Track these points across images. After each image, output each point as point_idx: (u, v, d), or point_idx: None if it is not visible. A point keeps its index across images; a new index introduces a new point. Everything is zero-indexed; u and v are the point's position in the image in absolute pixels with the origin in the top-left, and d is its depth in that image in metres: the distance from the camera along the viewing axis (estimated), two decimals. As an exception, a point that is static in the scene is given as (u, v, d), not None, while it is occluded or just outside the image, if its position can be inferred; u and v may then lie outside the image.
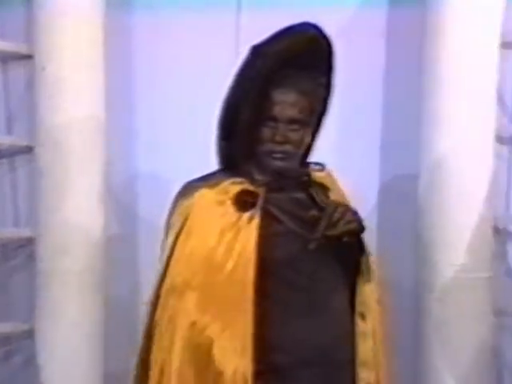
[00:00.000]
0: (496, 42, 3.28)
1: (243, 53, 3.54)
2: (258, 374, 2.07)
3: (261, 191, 2.22)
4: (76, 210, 3.37)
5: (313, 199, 2.17)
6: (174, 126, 3.61)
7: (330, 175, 2.37)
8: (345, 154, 3.51)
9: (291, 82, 2.23)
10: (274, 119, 2.21)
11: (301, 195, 2.23)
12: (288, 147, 2.22)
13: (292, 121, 2.22)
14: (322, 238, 2.08)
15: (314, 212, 2.17)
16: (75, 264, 3.36)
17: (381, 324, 2.28)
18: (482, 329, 3.31)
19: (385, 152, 3.63)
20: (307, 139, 2.29)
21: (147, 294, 3.71)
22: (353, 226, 2.13)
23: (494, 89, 3.32)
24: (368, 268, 2.25)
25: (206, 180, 2.33)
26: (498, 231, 3.50)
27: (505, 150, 3.58)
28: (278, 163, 2.22)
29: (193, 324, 2.12)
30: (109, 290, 3.49)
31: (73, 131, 3.35)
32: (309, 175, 2.22)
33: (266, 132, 2.22)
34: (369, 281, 2.24)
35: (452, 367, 3.22)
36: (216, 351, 2.06)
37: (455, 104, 3.27)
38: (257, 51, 2.27)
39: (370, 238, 3.58)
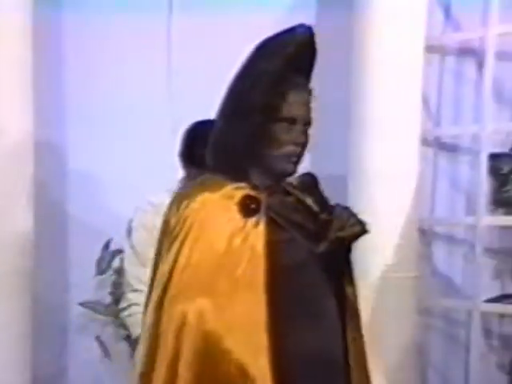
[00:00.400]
0: (420, 45, 3.35)
1: (176, 53, 3.58)
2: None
3: (262, 197, 2.14)
4: (3, 211, 3.33)
5: (317, 202, 2.15)
6: (105, 126, 3.60)
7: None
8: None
9: (301, 82, 2.17)
10: (292, 120, 2.14)
11: (302, 200, 2.18)
12: (301, 150, 2.17)
13: (307, 122, 2.16)
14: (333, 241, 2.09)
15: (323, 215, 2.13)
16: (2, 265, 3.32)
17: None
18: (407, 328, 3.37)
19: (314, 154, 3.66)
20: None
21: (77, 294, 3.75)
22: (358, 228, 2.13)
23: (419, 92, 3.39)
24: (351, 270, 2.25)
25: (202, 184, 2.21)
26: (423, 232, 3.58)
27: (430, 152, 3.67)
28: (292, 167, 2.17)
29: (206, 333, 2.04)
30: (38, 291, 3.46)
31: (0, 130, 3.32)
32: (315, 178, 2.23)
33: (284, 134, 2.13)
34: (351, 283, 2.24)
35: (378, 366, 3.27)
36: (233, 357, 2.01)
37: (382, 107, 3.33)
38: (269, 52, 2.20)
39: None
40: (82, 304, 3.70)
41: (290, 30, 2.18)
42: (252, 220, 2.11)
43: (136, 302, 2.91)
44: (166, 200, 2.92)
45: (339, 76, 3.46)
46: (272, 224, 2.12)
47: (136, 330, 2.92)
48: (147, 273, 2.90)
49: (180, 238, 2.12)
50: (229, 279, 2.06)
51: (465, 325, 3.68)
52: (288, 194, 2.19)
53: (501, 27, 3.49)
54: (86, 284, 3.70)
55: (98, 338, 3.72)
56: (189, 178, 2.90)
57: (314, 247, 2.10)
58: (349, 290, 2.22)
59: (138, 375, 2.11)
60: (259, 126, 2.12)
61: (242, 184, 2.16)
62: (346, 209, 2.17)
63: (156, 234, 2.88)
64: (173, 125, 3.43)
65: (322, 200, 2.21)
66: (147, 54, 3.61)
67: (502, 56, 3.57)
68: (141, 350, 2.14)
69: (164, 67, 3.61)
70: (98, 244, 3.67)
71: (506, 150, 3.74)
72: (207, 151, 2.26)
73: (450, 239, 3.78)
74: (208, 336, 2.03)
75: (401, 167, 3.36)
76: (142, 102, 3.57)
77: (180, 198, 2.22)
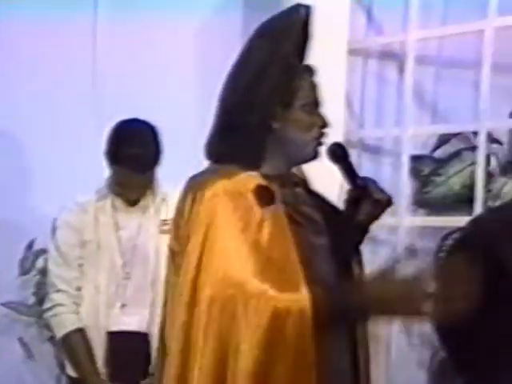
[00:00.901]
0: (343, 48, 3.41)
1: (101, 52, 3.56)
2: None
3: (274, 187, 2.04)
4: None
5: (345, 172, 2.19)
6: (30, 124, 3.56)
7: None
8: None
9: (306, 65, 2.17)
10: (314, 104, 2.12)
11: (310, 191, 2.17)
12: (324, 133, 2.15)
13: (319, 104, 2.15)
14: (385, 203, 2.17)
15: (351, 192, 2.18)
16: None
17: None
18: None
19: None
20: None
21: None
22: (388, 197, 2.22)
23: (342, 95, 3.44)
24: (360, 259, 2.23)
25: (215, 172, 2.07)
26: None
27: (354, 153, 3.72)
28: (318, 151, 2.13)
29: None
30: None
31: None
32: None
33: (309, 117, 2.09)
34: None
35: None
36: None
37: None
38: (276, 36, 2.10)
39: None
40: (4, 304, 3.65)
41: (292, 12, 2.15)
42: (270, 209, 2.00)
43: (60, 302, 2.89)
44: (92, 199, 2.94)
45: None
46: (287, 215, 2.03)
47: (60, 331, 2.90)
48: (72, 273, 2.90)
49: (203, 229, 1.95)
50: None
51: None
52: (296, 184, 2.15)
53: (420, 32, 3.58)
54: (8, 284, 3.64)
55: (21, 340, 3.67)
56: (114, 176, 2.90)
57: (319, 240, 2.06)
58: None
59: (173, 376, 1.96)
60: (283, 110, 2.06)
61: (254, 173, 2.05)
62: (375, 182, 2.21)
63: (81, 233, 2.89)
64: (98, 124, 3.42)
65: (350, 171, 2.20)
66: (72, 52, 3.57)
67: (422, 60, 3.66)
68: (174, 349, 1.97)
69: (89, 66, 3.59)
70: (22, 244, 3.63)
71: (426, 152, 3.82)
72: (208, 144, 2.16)
73: (373, 240, 3.85)
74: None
75: (326, 168, 3.40)
76: (66, 100, 3.54)
77: (198, 184, 2.06)
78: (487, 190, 3.65)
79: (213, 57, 3.57)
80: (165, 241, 2.81)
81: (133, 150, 2.81)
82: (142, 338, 2.86)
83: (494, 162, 3.86)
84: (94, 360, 2.85)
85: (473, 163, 3.64)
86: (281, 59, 2.07)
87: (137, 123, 2.89)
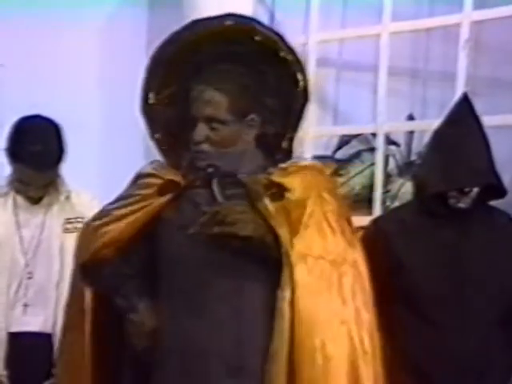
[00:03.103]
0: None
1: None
2: None
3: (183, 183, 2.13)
4: None
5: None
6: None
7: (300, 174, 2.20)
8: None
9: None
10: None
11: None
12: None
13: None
14: (201, 234, 2.00)
15: (206, 208, 2.05)
16: None
17: None
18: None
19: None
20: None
21: None
22: (229, 229, 1.98)
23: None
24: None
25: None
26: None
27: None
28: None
29: None
30: None
31: None
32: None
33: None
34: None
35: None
36: None
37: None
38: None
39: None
40: None
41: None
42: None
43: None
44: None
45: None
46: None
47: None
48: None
49: None
50: None
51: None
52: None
53: (321, 34, 3.64)
54: None
55: None
56: (15, 174, 2.84)
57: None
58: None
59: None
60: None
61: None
62: (239, 207, 2.06)
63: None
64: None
65: (218, 193, 2.13)
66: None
67: (323, 62, 3.72)
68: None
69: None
70: None
71: (328, 153, 3.89)
72: None
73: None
74: None
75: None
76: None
77: None
78: (386, 191, 3.74)
79: (117, 53, 3.55)
80: (69, 240, 2.82)
81: (34, 147, 2.76)
82: (45, 338, 2.81)
83: (392, 163, 3.98)
84: (-6, 361, 2.79)
85: (372, 164, 3.73)
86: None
87: (38, 120, 2.84)
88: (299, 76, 2.19)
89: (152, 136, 2.24)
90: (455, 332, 2.50)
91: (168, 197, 2.12)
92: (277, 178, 2.12)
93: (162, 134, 2.24)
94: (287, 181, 2.12)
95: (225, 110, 2.09)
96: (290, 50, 2.19)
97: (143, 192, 2.15)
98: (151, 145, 3.72)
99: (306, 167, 2.23)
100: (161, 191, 2.13)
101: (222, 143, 2.10)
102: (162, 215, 2.11)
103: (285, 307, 1.99)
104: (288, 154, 2.25)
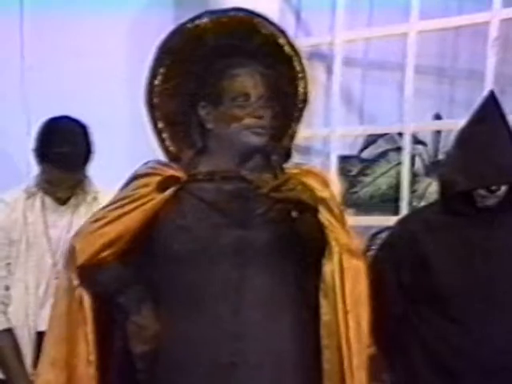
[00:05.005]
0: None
1: (29, 49, 3.51)
2: None
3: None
4: None
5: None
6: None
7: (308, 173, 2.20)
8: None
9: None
10: (244, 95, 2.10)
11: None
12: None
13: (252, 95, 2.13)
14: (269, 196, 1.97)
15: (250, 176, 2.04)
16: None
17: None
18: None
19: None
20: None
21: None
22: (293, 194, 1.96)
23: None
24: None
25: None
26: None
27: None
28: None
29: None
30: None
31: None
32: None
33: (237, 110, 2.09)
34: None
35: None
36: None
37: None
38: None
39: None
40: None
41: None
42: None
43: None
44: (21, 197, 2.88)
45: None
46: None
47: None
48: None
49: None
50: None
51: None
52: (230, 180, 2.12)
53: (347, 33, 3.63)
54: None
55: None
56: (43, 175, 2.86)
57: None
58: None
59: None
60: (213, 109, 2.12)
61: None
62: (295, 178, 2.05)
63: (9, 232, 2.83)
64: (27, 121, 3.38)
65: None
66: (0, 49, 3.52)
67: (349, 62, 3.72)
68: None
69: (17, 62, 3.53)
70: None
71: (354, 152, 3.89)
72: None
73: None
74: None
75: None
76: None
77: None
78: (412, 191, 3.73)
79: (144, 54, 3.54)
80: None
81: (62, 149, 2.77)
82: (72, 337, 2.84)
83: (418, 162, 3.96)
84: (22, 361, 2.80)
85: (399, 164, 3.72)
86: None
87: (66, 121, 2.85)
88: (300, 75, 2.21)
89: (154, 126, 2.23)
90: (482, 331, 2.49)
91: (168, 192, 2.10)
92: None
93: (164, 125, 2.23)
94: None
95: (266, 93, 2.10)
96: (293, 47, 2.21)
97: (141, 191, 2.12)
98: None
99: (309, 171, 2.21)
100: (160, 188, 2.11)
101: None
102: (161, 212, 2.09)
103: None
104: (284, 156, 2.22)
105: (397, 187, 3.64)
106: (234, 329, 2.04)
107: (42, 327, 2.82)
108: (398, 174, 3.67)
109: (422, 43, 3.50)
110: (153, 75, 2.21)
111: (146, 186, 2.13)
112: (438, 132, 4.00)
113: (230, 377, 2.04)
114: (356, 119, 3.94)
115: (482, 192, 2.51)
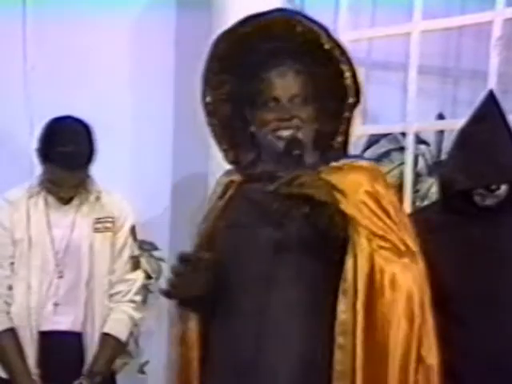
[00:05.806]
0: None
1: (31, 49, 3.51)
2: None
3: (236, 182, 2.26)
4: None
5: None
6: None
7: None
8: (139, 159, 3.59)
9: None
10: (273, 99, 2.16)
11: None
12: None
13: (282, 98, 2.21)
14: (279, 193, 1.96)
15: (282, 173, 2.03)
16: None
17: None
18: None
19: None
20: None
21: None
22: (306, 190, 1.94)
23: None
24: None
25: None
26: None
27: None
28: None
29: None
30: None
31: None
32: None
33: (265, 113, 2.17)
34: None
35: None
36: None
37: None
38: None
39: (163, 234, 3.70)
40: None
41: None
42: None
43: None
44: (23, 196, 2.89)
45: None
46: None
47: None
48: (3, 272, 2.85)
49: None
50: None
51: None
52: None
53: (350, 33, 3.63)
54: None
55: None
56: (46, 174, 2.86)
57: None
58: None
59: None
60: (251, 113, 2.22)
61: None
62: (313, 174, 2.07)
63: (13, 231, 2.84)
64: (30, 121, 3.38)
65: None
66: (2, 50, 3.52)
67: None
68: None
69: (20, 63, 3.54)
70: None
71: (357, 152, 3.86)
72: None
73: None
74: None
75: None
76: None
77: None
78: (415, 191, 3.73)
79: (146, 53, 3.57)
80: (99, 239, 2.86)
81: (65, 148, 2.78)
82: (74, 337, 2.84)
83: (421, 162, 3.96)
84: (24, 360, 2.81)
85: (401, 164, 3.71)
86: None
87: (69, 121, 2.86)
88: (347, 73, 2.23)
89: (213, 132, 2.32)
90: (486, 332, 2.48)
91: (226, 198, 2.24)
92: (324, 175, 2.11)
93: (222, 130, 2.32)
94: (334, 178, 2.10)
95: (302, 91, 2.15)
96: (337, 44, 2.25)
97: (212, 201, 2.29)
98: (180, 145, 3.79)
99: (360, 167, 2.23)
100: (222, 195, 2.26)
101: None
102: (219, 218, 2.22)
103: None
104: (341, 152, 2.28)
105: (400, 187, 3.64)
106: (258, 327, 2.08)
107: (45, 327, 2.84)
108: (401, 174, 3.67)
109: (425, 43, 3.50)
110: (205, 83, 2.29)
111: (214, 194, 2.32)
112: (441, 132, 3.99)
113: (251, 374, 2.08)
114: (359, 119, 3.93)
115: (482, 191, 2.51)
